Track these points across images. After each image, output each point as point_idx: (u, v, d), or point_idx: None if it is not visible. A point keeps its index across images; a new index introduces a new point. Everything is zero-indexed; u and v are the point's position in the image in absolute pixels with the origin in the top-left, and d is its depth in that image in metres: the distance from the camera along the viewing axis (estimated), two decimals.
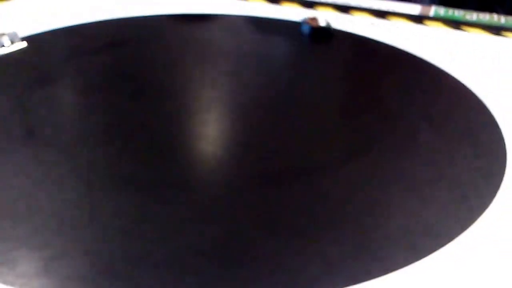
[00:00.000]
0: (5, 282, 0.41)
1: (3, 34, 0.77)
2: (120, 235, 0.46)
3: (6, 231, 0.46)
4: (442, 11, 0.95)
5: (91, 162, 0.55)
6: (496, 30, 0.88)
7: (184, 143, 0.61)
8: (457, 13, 0.94)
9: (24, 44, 0.77)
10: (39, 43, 0.79)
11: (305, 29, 0.86)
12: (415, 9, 0.97)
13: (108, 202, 0.50)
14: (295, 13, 0.93)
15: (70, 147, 0.58)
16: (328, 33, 0.85)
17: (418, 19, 0.92)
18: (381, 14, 0.94)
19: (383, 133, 0.62)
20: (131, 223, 0.47)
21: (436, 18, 0.92)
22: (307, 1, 0.98)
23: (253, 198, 0.51)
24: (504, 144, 0.59)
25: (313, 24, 0.85)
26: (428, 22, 0.91)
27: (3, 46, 0.75)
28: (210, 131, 0.64)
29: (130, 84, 0.71)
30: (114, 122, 0.62)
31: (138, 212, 0.49)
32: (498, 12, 1.02)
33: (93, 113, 0.65)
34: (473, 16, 0.93)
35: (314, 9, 0.95)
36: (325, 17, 0.86)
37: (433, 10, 0.96)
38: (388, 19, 0.92)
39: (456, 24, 0.90)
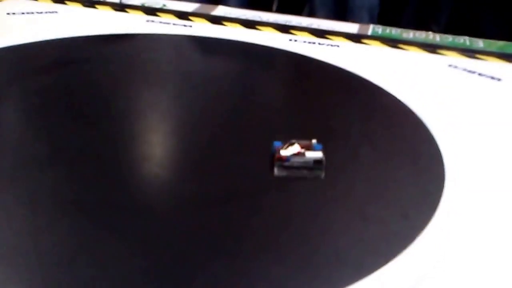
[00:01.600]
0: None
1: None
2: (65, 262, 0.45)
3: None
4: (380, 29, 0.98)
5: (35, 187, 0.55)
6: (432, 48, 0.90)
7: (129, 165, 0.60)
8: (394, 32, 0.97)
9: None
10: None
11: (273, 147, 0.59)
12: (353, 27, 0.99)
13: (52, 228, 0.49)
14: (237, 33, 0.94)
15: (13, 171, 0.57)
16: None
17: (356, 37, 0.94)
18: (320, 33, 0.95)
19: (324, 151, 0.63)
20: (77, 249, 0.47)
21: (374, 37, 0.94)
22: (248, 21, 0.99)
23: (198, 220, 0.51)
24: (442, 161, 0.61)
25: (283, 151, 0.58)
26: (366, 41, 0.93)
27: None
28: (155, 153, 0.64)
29: (74, 105, 0.70)
30: (58, 144, 0.62)
31: (83, 237, 0.48)
32: (433, 29, 1.05)
33: (37, 135, 0.64)
34: (409, 34, 0.96)
35: (255, 28, 0.96)
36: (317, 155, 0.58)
37: (371, 29, 0.98)
38: (327, 38, 0.93)
39: (393, 42, 0.92)
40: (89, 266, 0.45)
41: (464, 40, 0.94)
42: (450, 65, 0.85)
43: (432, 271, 0.46)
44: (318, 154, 0.58)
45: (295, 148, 0.59)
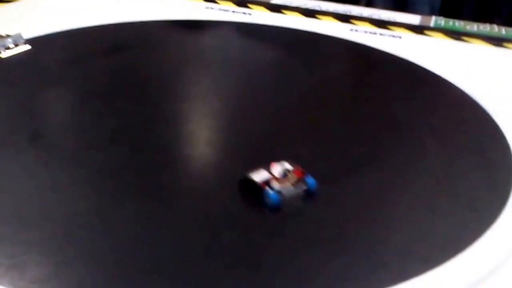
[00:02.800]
0: (15, 287, 0.41)
1: (7, 36, 0.76)
2: (131, 242, 0.46)
3: (16, 235, 0.46)
4: (442, 21, 0.95)
5: (99, 167, 0.55)
6: (497, 41, 0.88)
7: (191, 150, 0.61)
8: (458, 24, 0.95)
9: (28, 47, 0.76)
10: (43, 45, 0.79)
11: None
12: (415, 19, 0.97)
13: (118, 209, 0.49)
14: (297, 21, 0.93)
15: (77, 152, 0.57)
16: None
17: (419, 29, 0.93)
18: (381, 23, 0.94)
19: (387, 143, 0.62)
20: (142, 230, 0.47)
21: (437, 29, 0.93)
22: (308, 10, 0.98)
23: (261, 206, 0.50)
24: (510, 154, 0.59)
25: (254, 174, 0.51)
26: (429, 32, 0.91)
27: (7, 48, 0.75)
28: (217, 138, 0.64)
29: (135, 88, 0.70)
30: (120, 127, 0.62)
31: (149, 219, 0.48)
32: (495, 21, 1.02)
33: (99, 118, 0.64)
34: (473, 27, 0.93)
35: (314, 17, 0.95)
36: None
37: (433, 21, 0.96)
38: (388, 29, 0.92)
39: (457, 34, 0.90)
40: (155, 247, 0.45)
41: None
42: None
43: (501, 266, 0.45)
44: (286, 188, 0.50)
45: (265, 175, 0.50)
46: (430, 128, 0.64)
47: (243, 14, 0.96)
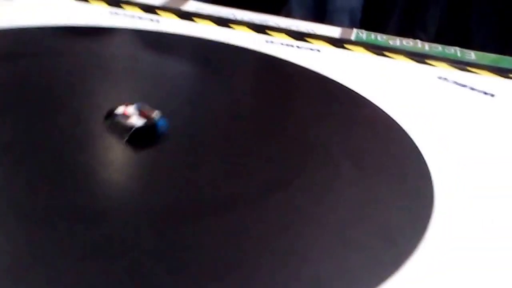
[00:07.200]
0: None
1: None
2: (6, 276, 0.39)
3: None
4: (364, 35, 0.90)
5: None
6: (421, 57, 0.83)
7: (87, 169, 0.53)
8: (380, 38, 0.89)
9: None
10: None
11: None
12: (335, 31, 0.92)
13: None
14: (208, 31, 0.86)
15: None
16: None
17: (339, 42, 0.87)
18: (299, 35, 0.88)
19: (299, 166, 0.55)
20: (19, 262, 0.40)
21: (358, 43, 0.87)
22: (221, 19, 0.91)
23: (162, 235, 0.44)
24: (431, 180, 0.54)
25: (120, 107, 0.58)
26: (349, 46, 0.86)
27: None
28: (116, 157, 0.56)
29: (28, 100, 0.62)
30: (7, 142, 0.54)
31: (29, 248, 0.41)
32: (420, 37, 0.98)
33: None
34: (396, 41, 0.89)
35: (228, 27, 0.89)
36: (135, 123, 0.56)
37: (354, 34, 0.91)
38: (307, 41, 0.86)
39: (379, 49, 0.85)
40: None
41: (455, 51, 0.87)
42: (439, 77, 0.78)
43: None
44: (137, 122, 0.56)
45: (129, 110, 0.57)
46: (346, 151, 0.59)
47: (150, 21, 0.88)
